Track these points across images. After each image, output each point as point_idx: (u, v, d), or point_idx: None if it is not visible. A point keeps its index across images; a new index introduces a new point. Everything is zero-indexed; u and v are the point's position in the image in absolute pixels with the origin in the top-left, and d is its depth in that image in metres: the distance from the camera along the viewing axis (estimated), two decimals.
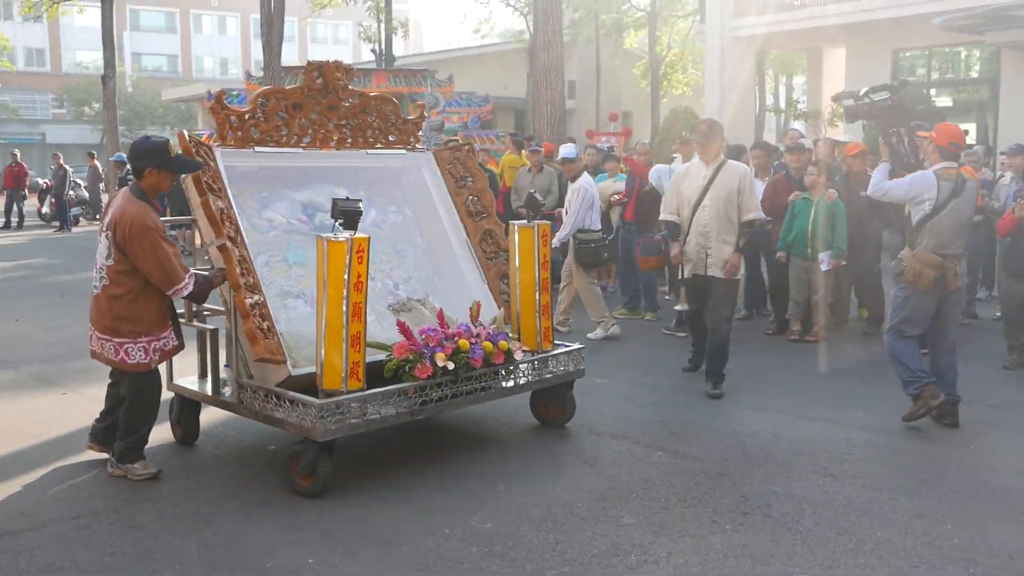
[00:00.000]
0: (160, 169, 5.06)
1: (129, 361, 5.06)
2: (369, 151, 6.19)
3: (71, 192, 22.99)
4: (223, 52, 63.14)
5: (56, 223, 22.76)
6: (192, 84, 39.79)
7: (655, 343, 8.98)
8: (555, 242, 8.27)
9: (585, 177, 9.20)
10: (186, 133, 5.34)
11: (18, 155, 23.83)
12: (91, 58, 49.75)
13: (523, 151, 13.12)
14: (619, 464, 5.45)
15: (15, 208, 23.03)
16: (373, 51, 29.57)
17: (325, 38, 64.96)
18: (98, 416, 5.46)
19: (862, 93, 7.33)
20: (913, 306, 6.16)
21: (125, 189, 5.14)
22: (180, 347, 5.30)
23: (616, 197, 10.80)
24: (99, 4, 24.31)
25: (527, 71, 22.41)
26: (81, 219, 23.75)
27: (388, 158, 6.31)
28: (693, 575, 4.03)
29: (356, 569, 4.08)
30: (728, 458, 5.53)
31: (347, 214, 4.88)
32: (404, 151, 6.37)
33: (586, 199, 8.86)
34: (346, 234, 4.84)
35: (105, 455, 5.34)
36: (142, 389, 5.17)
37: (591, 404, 6.48)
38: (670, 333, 9.15)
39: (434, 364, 5.20)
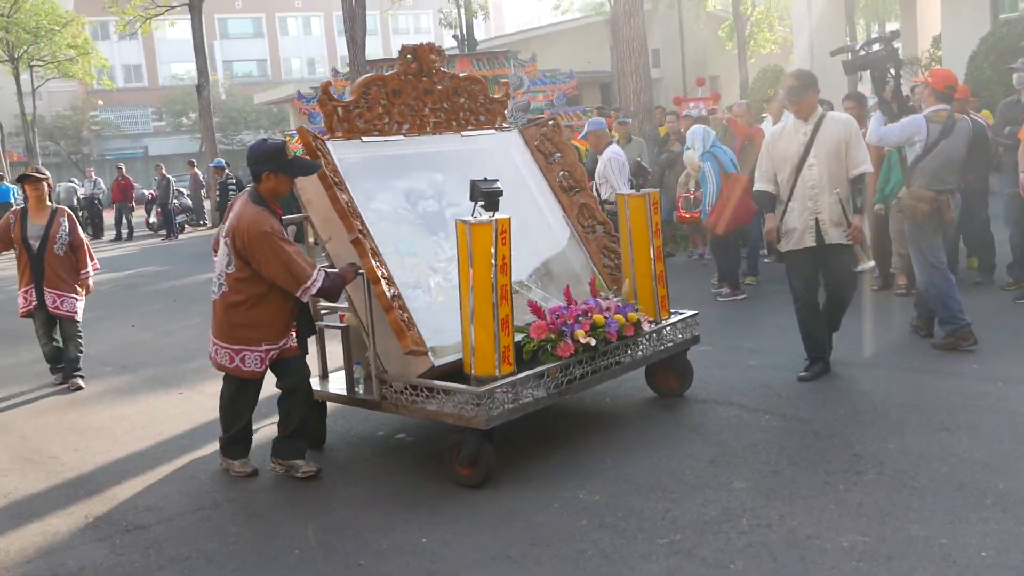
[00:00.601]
0: (278, 173, 4.97)
1: (244, 368, 5.05)
2: (463, 133, 6.14)
3: (175, 201, 23.78)
4: (310, 52, 64.27)
5: (163, 232, 23.57)
6: (282, 86, 40.59)
7: (755, 307, 8.84)
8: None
9: (612, 147, 9.92)
10: (305, 128, 5.25)
11: (123, 169, 24.79)
12: (185, 69, 51.22)
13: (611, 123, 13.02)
14: (726, 430, 5.39)
15: (124, 220, 23.94)
16: (455, 37, 29.67)
17: (407, 29, 65.52)
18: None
19: (858, 47, 7.37)
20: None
21: (244, 194, 5.08)
22: (297, 348, 5.23)
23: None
24: (188, 16, 24.98)
25: (610, 43, 22.18)
26: (186, 226, 24.55)
27: (480, 139, 6.25)
28: (807, 536, 3.97)
29: (470, 547, 4.15)
30: (838, 418, 5.41)
31: (488, 195, 4.80)
32: (494, 131, 6.36)
33: (621, 165, 9.61)
34: (488, 215, 4.77)
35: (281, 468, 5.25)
36: (238, 390, 5.20)
37: (695, 372, 6.42)
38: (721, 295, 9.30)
39: (575, 341, 5.14)
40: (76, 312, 7.60)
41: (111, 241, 23.56)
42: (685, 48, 30.18)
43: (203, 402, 6.92)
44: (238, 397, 5.21)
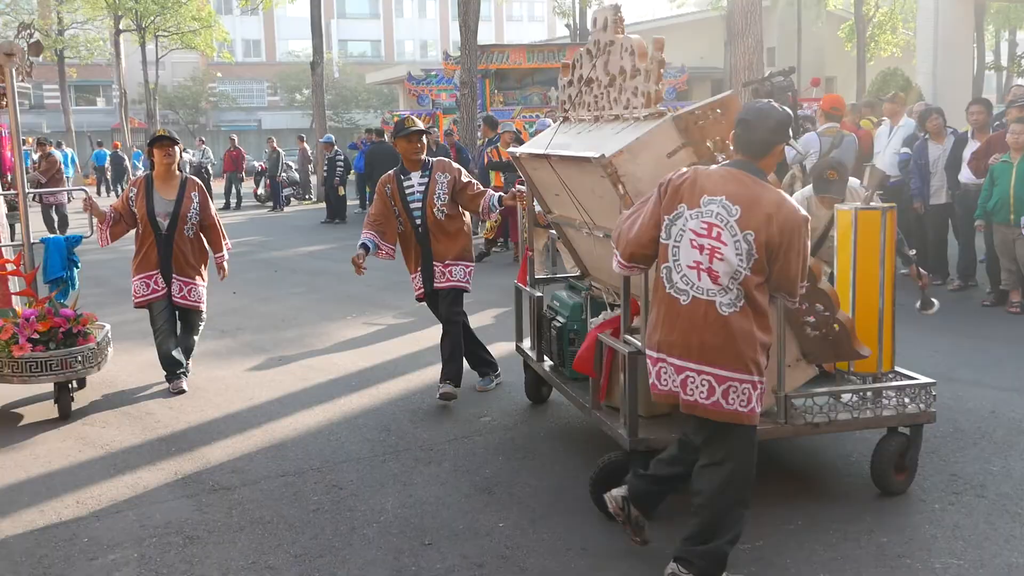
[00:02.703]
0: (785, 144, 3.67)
1: (742, 410, 3.40)
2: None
3: (283, 174, 24.29)
4: (423, 35, 64.86)
5: (270, 203, 24.11)
6: (393, 67, 41.11)
7: None
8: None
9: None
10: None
11: (235, 140, 25.46)
12: (301, 46, 52.23)
13: None
14: (817, 439, 5.21)
15: (233, 190, 24.56)
16: (568, 26, 29.58)
17: (520, 16, 65.56)
18: (649, 476, 3.85)
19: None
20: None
21: (734, 170, 3.52)
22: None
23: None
24: None
25: (724, 40, 21.79)
26: (292, 199, 25.07)
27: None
28: (897, 555, 3.81)
29: (546, 535, 4.10)
30: (938, 435, 5.18)
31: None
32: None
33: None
34: (878, 203, 4.52)
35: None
36: (749, 447, 3.54)
37: None
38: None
39: None
40: (202, 301, 6.63)
41: (220, 210, 23.96)
42: (802, 47, 29.46)
43: (297, 371, 7.04)
44: (748, 457, 3.53)
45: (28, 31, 6.49)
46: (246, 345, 8.02)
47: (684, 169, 3.61)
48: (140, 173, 7.25)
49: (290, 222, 20.16)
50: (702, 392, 3.40)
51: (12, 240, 7.59)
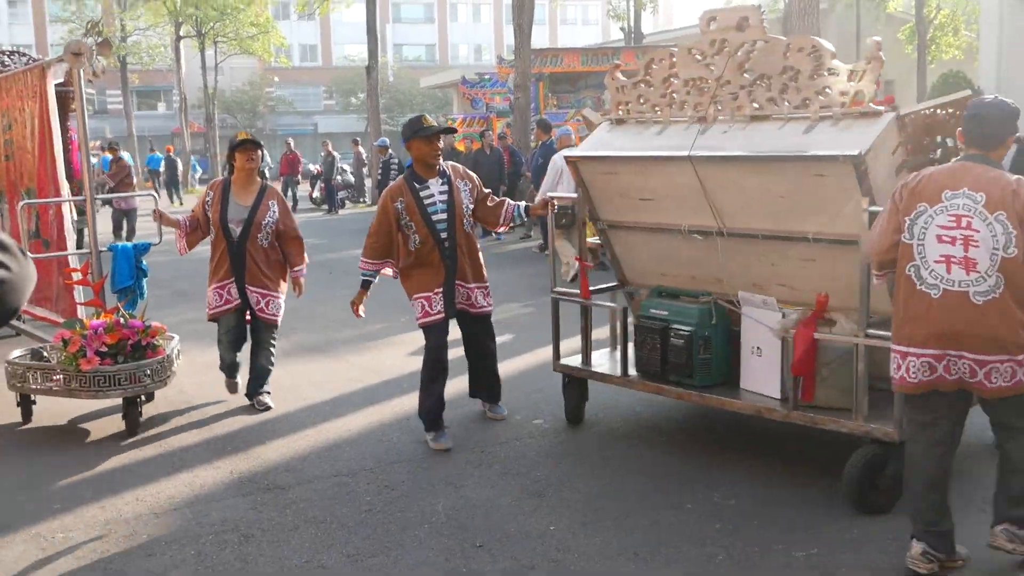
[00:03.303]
0: None
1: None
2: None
3: (338, 177, 24.53)
4: (477, 39, 65.12)
5: (325, 206, 24.36)
6: (448, 71, 41.30)
7: None
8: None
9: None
10: None
11: (292, 143, 25.79)
12: (357, 51, 52.71)
13: None
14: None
15: (289, 192, 24.86)
16: (622, 29, 29.51)
17: (575, 19, 65.49)
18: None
19: None
20: None
21: (968, 164, 3.64)
22: None
23: None
24: None
25: None
26: (347, 202, 25.30)
27: None
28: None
29: (596, 540, 4.09)
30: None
31: None
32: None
33: (554, 168, 10.64)
34: None
35: None
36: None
37: None
38: None
39: None
40: (279, 315, 6.20)
41: None
42: (860, 50, 29.05)
43: (350, 372, 7.11)
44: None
45: (96, 29, 6.17)
46: (299, 346, 8.11)
47: (915, 173, 3.76)
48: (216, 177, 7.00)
49: (344, 225, 20.35)
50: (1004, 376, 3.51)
51: (80, 247, 7.45)
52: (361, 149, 25.98)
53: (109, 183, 16.47)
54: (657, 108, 5.14)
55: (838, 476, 4.42)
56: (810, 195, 4.45)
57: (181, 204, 26.90)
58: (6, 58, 8.26)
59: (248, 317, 6.20)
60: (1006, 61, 19.19)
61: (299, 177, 26.10)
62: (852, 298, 4.39)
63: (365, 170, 25.97)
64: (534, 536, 4.14)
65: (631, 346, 5.38)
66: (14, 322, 7.26)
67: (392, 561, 3.95)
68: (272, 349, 6.28)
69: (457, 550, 4.03)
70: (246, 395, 6.26)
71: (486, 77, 23.62)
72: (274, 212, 6.06)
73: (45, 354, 6.20)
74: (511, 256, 13.97)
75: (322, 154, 25.08)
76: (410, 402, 6.22)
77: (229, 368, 6.35)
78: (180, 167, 31.41)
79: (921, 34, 27.40)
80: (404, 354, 7.65)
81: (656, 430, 5.52)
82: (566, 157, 5.55)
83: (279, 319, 6.21)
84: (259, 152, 6.16)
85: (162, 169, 31.46)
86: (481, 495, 4.63)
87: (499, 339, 6.03)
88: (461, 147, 19.18)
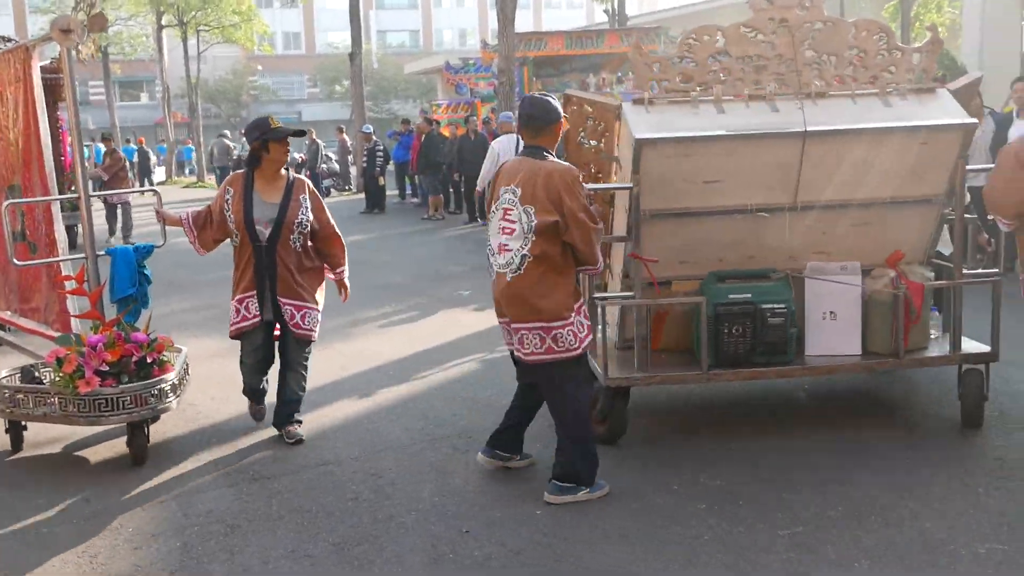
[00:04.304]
0: None
1: None
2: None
3: (323, 165, 24.41)
4: (461, 24, 64.81)
5: None
6: (432, 56, 41.10)
7: None
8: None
9: (502, 138, 11.11)
10: None
11: None
12: (341, 38, 52.39)
13: None
14: (863, 420, 5.15)
15: None
16: (606, 11, 29.40)
17: (559, 3, 65.26)
18: None
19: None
20: None
21: None
22: None
23: None
24: None
25: None
26: (332, 190, 25.19)
27: None
28: (940, 540, 3.75)
29: (585, 523, 4.09)
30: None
31: None
32: None
33: (490, 154, 11.02)
34: None
35: None
36: None
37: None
38: None
39: None
40: (315, 330, 5.32)
41: None
42: None
43: (334, 360, 7.08)
44: None
45: (88, 3, 5.37)
46: None
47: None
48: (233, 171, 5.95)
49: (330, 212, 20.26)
50: None
51: (72, 250, 6.59)
52: (346, 137, 25.88)
53: (103, 177, 15.62)
54: (701, 86, 4.95)
55: (819, 457, 4.43)
56: (905, 162, 4.87)
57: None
58: None
59: (277, 332, 5.37)
60: (988, 38, 19.20)
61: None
62: (911, 252, 5.15)
63: (350, 158, 25.85)
64: (521, 521, 4.14)
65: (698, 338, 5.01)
66: None
67: (378, 549, 3.94)
68: (304, 372, 5.36)
69: (444, 536, 4.02)
70: (273, 424, 5.41)
71: (470, 62, 23.54)
72: (306, 208, 5.23)
73: (37, 374, 5.40)
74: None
75: (306, 142, 24.94)
76: (397, 390, 6.24)
77: (254, 393, 5.55)
78: (152, 157, 32.23)
79: (905, 12, 27.37)
80: (391, 343, 7.63)
81: (641, 414, 5.52)
82: (638, 140, 4.77)
83: (315, 335, 5.32)
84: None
85: (135, 160, 31.49)
86: (468, 481, 4.63)
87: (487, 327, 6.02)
88: (446, 133, 19.10)
